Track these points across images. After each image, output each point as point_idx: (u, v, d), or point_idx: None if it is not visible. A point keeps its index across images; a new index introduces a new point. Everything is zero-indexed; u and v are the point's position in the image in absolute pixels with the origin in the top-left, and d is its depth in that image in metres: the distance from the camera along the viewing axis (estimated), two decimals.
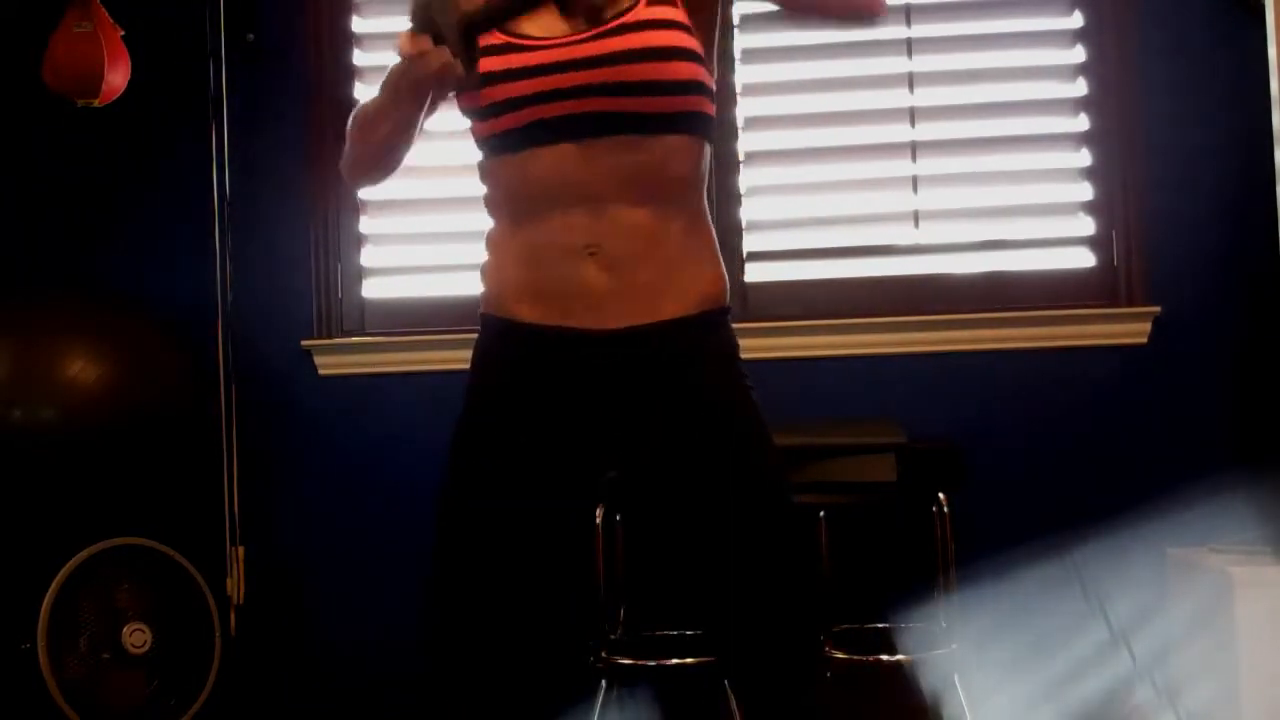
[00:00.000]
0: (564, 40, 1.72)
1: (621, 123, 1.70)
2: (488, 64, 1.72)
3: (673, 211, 1.75)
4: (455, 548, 1.77)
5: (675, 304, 1.75)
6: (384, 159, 1.85)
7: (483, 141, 1.79)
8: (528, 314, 1.76)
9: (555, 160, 1.70)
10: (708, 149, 1.80)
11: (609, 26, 1.72)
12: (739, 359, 1.83)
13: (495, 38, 1.73)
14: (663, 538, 1.85)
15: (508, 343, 1.79)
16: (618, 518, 2.85)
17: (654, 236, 1.72)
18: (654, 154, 1.72)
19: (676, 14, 1.75)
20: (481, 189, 1.85)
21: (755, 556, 1.74)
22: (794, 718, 1.74)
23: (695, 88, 1.73)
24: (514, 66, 1.71)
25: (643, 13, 1.73)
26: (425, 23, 1.65)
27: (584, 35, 1.72)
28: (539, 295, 1.75)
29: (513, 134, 1.72)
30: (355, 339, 3.33)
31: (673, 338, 1.75)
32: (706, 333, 1.78)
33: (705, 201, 1.82)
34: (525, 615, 1.75)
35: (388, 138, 1.80)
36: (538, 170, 1.72)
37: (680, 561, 1.82)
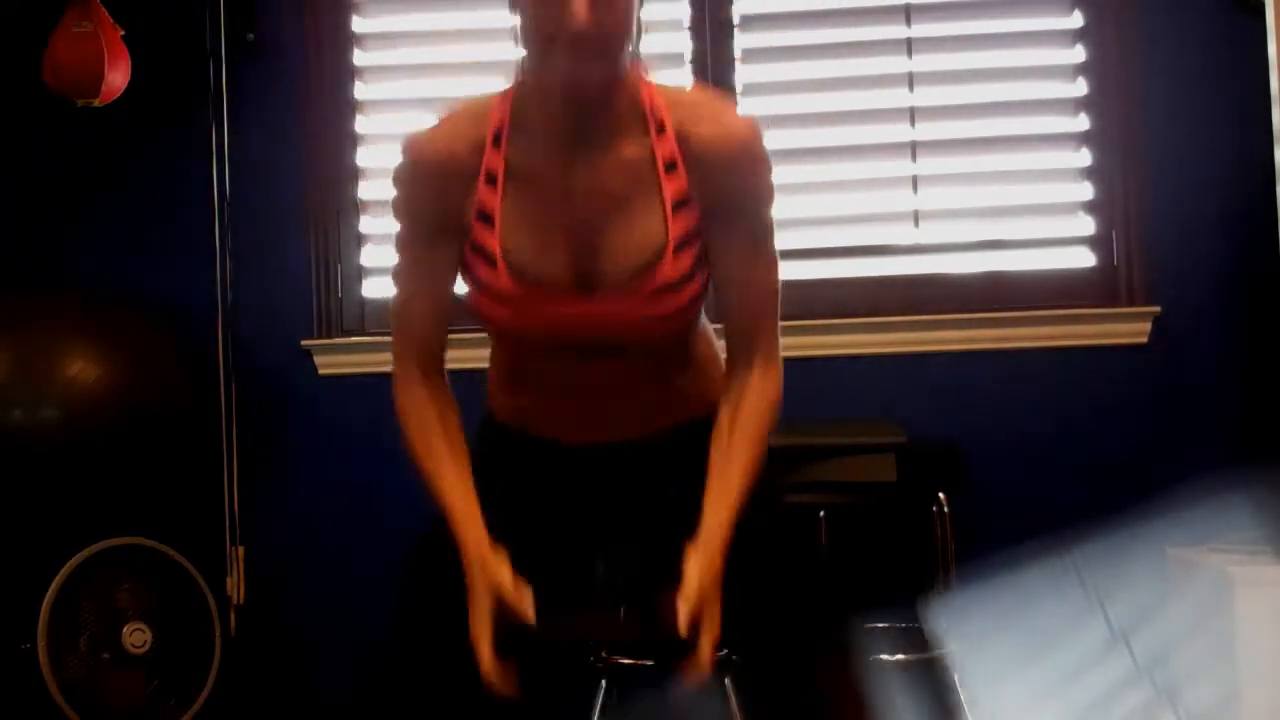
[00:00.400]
0: (578, 298, 1.66)
1: (625, 352, 1.71)
2: (490, 309, 1.69)
3: (674, 374, 1.78)
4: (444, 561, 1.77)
5: (675, 417, 1.79)
6: None
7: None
8: (530, 430, 1.81)
9: (553, 364, 1.73)
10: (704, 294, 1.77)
11: (632, 289, 1.64)
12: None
13: (501, 281, 1.65)
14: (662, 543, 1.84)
15: (511, 440, 1.83)
16: None
17: (655, 393, 1.76)
18: (657, 360, 1.75)
19: (694, 253, 1.67)
20: None
21: (749, 562, 1.73)
22: (797, 714, 1.74)
23: (697, 312, 1.76)
24: (523, 322, 1.69)
25: (668, 269, 1.64)
26: (514, 645, 1.58)
27: (602, 293, 1.65)
28: (539, 427, 1.80)
29: (509, 343, 1.77)
30: (355, 339, 3.33)
31: (671, 438, 1.79)
32: (704, 430, 1.77)
33: (707, 328, 1.83)
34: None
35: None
36: (535, 363, 1.75)
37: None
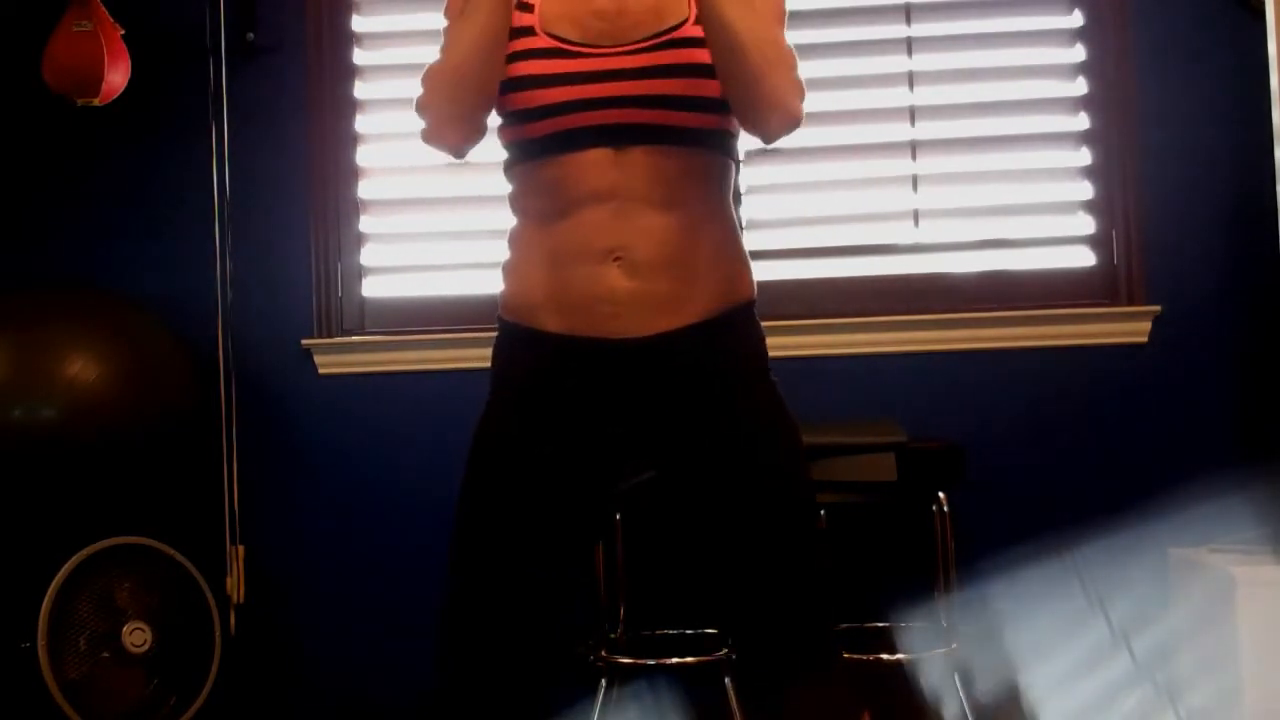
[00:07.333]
0: (608, 49, 1.74)
1: (654, 133, 1.72)
2: (533, 67, 1.74)
3: (698, 219, 1.76)
4: (476, 560, 1.77)
5: (698, 307, 1.75)
6: (471, 87, 1.75)
7: (515, 145, 1.79)
8: (551, 323, 1.76)
9: (587, 164, 1.72)
10: (733, 164, 1.84)
11: (656, 41, 1.74)
12: (763, 350, 1.83)
13: (540, 41, 1.75)
14: (675, 537, 1.85)
15: (531, 352, 1.79)
16: (618, 517, 2.85)
17: (678, 243, 1.73)
18: (683, 163, 1.74)
19: None
20: (501, 188, 1.85)
21: (779, 554, 1.74)
22: (805, 712, 1.74)
23: (726, 106, 1.75)
24: (559, 72, 1.73)
25: (690, 30, 1.74)
26: None
27: (628, 47, 1.74)
28: (562, 303, 1.75)
29: (549, 139, 1.73)
30: (355, 338, 3.33)
31: (695, 342, 1.75)
32: (729, 331, 1.78)
33: (732, 209, 1.84)
34: (541, 621, 1.76)
35: (469, 55, 1.74)
36: (569, 173, 1.73)
37: (697, 562, 1.81)
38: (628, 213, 1.71)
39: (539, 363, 1.77)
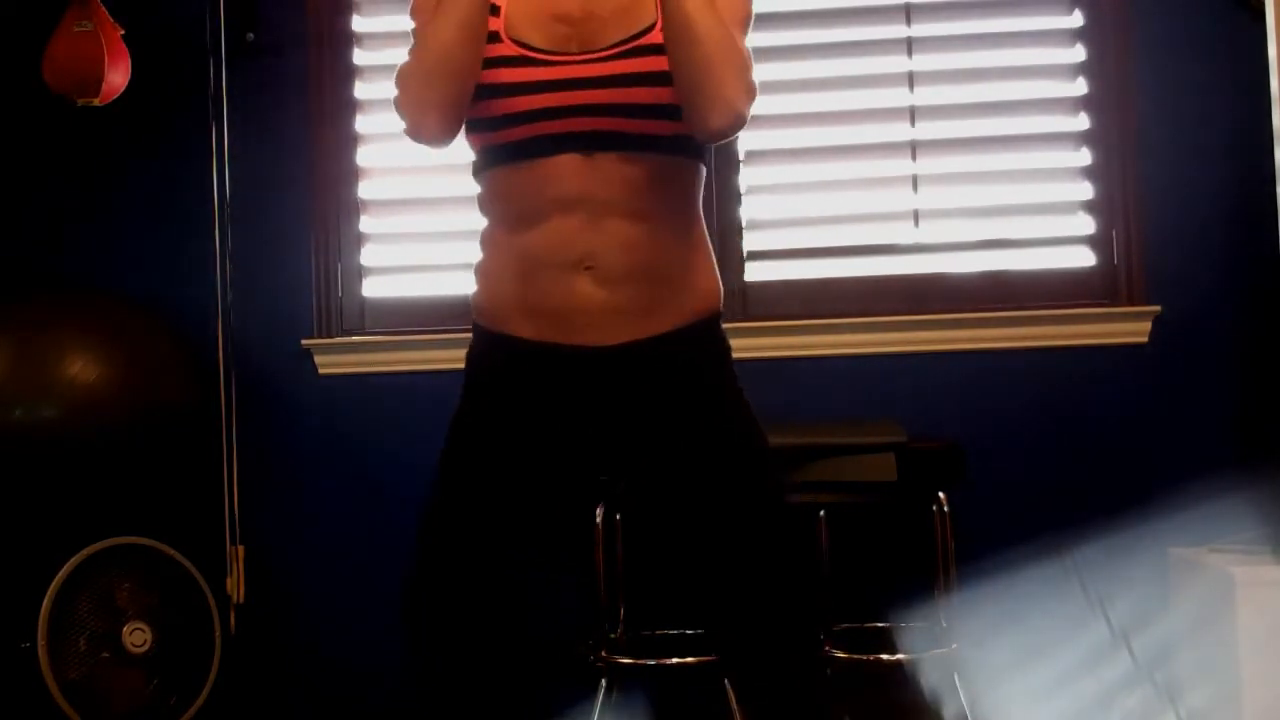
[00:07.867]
0: (576, 57, 1.74)
1: (623, 141, 1.73)
2: (500, 75, 1.74)
3: (667, 227, 1.77)
4: (441, 563, 1.78)
5: (668, 318, 1.78)
6: (451, 76, 1.72)
7: (486, 151, 1.80)
8: (523, 330, 1.78)
9: (557, 170, 1.73)
10: (703, 169, 1.84)
11: (624, 48, 1.74)
12: (730, 361, 1.86)
13: (507, 48, 1.75)
14: (662, 541, 1.88)
15: (503, 357, 1.81)
16: (618, 517, 2.85)
17: (648, 252, 1.75)
18: (652, 169, 1.74)
19: None
20: (476, 186, 1.86)
21: (749, 558, 1.76)
22: (794, 715, 1.75)
23: None
24: (527, 80, 1.73)
25: (658, 35, 1.73)
26: None
27: (596, 54, 1.74)
28: (534, 311, 1.77)
29: (518, 146, 1.74)
30: (355, 338, 3.33)
31: (665, 352, 1.77)
32: (698, 341, 1.81)
33: (701, 217, 1.85)
34: (510, 626, 1.77)
35: (449, 48, 1.72)
36: (539, 179, 1.74)
37: (679, 565, 1.83)
38: (598, 221, 1.72)
39: (511, 368, 1.80)
